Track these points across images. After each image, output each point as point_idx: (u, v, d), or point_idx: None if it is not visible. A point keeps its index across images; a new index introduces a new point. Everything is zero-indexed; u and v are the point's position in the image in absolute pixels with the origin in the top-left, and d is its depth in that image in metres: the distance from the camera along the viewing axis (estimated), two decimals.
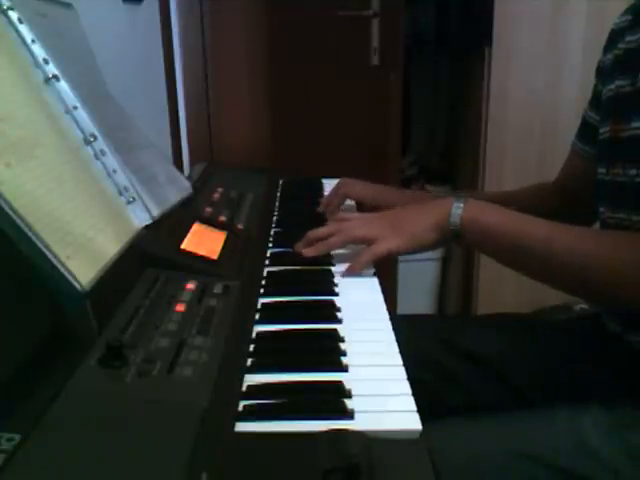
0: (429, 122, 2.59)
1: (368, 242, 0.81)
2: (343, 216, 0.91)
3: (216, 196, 1.05)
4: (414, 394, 0.55)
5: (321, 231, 0.85)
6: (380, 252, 0.79)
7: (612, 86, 0.84)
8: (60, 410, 0.46)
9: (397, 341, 0.64)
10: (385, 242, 0.79)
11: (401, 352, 0.62)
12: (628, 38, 0.82)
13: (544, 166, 2.06)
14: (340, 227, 0.84)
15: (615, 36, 0.87)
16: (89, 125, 0.74)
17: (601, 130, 0.85)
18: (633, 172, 0.76)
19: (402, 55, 2.09)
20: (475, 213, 0.78)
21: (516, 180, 2.08)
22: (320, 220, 1.06)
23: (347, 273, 0.80)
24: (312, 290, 0.76)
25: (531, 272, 0.78)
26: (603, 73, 0.90)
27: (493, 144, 2.12)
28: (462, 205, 0.78)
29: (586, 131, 0.95)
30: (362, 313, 0.72)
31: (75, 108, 0.73)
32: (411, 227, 0.80)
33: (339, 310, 0.71)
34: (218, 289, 0.69)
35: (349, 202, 1.13)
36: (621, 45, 0.84)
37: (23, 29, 0.70)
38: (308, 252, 0.84)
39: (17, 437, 0.42)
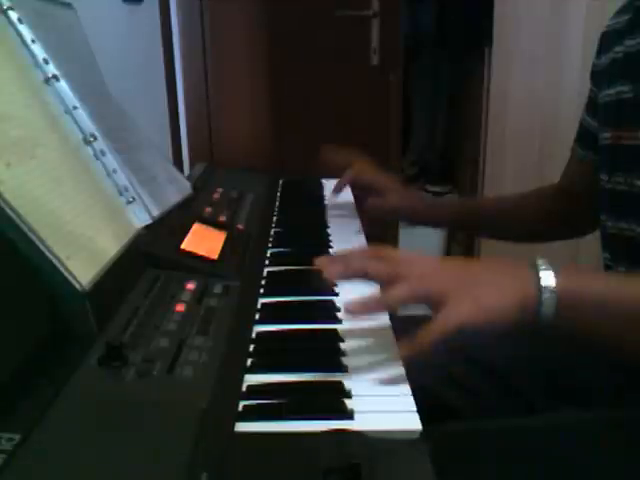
0: (429, 122, 2.59)
1: (435, 302, 0.60)
2: (393, 254, 0.65)
3: (216, 196, 1.05)
4: (414, 396, 0.55)
5: (369, 268, 0.62)
6: (453, 328, 0.58)
7: (612, 91, 0.81)
8: (60, 410, 0.46)
9: (397, 343, 0.64)
10: (457, 310, 0.59)
11: None
12: (628, 42, 0.79)
13: (544, 166, 2.06)
14: (398, 273, 0.61)
15: (610, 38, 0.85)
16: (89, 125, 0.74)
17: (601, 136, 0.83)
18: (638, 182, 0.74)
19: (402, 55, 2.10)
20: (573, 282, 0.61)
21: (516, 180, 2.09)
22: (321, 220, 1.06)
23: (405, 352, 0.59)
24: (312, 290, 0.76)
25: None
26: (599, 77, 0.87)
27: (493, 144, 2.12)
28: (552, 273, 0.60)
29: (584, 136, 0.93)
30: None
31: (75, 108, 0.73)
32: (486, 297, 0.60)
33: (339, 310, 0.71)
34: (218, 289, 0.69)
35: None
36: (619, 48, 0.81)
37: (23, 29, 0.70)
38: (355, 309, 0.61)
39: (17, 437, 0.42)
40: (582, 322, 0.63)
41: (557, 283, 0.60)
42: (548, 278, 0.60)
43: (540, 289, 0.60)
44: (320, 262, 0.63)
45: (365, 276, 0.62)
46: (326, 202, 1.16)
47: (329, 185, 1.23)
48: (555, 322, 0.60)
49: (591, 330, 0.65)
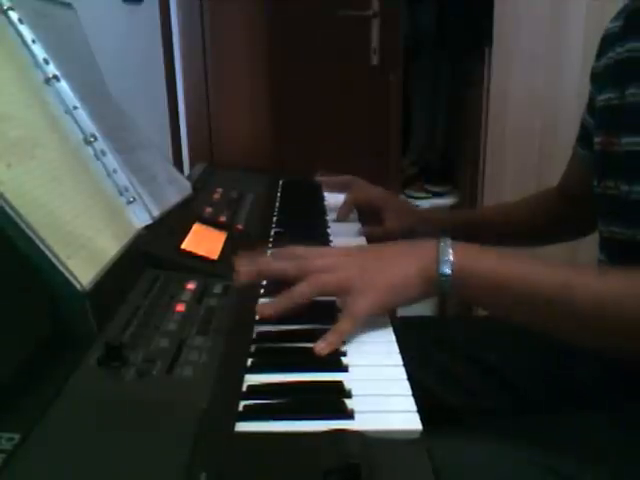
0: (429, 122, 2.59)
1: (340, 294, 0.66)
2: (302, 251, 0.69)
3: (216, 196, 1.05)
4: (414, 396, 0.55)
5: (282, 267, 0.66)
6: (362, 315, 0.64)
7: (603, 97, 0.82)
8: (60, 410, 0.46)
9: (397, 343, 0.64)
10: (363, 298, 0.64)
11: (401, 354, 0.62)
12: (617, 49, 0.80)
13: (544, 166, 2.06)
14: (302, 267, 0.65)
15: (607, 43, 0.85)
16: (89, 125, 0.74)
17: (594, 139, 0.84)
18: (625, 188, 0.75)
19: (402, 55, 2.09)
20: (469, 259, 0.64)
21: (516, 180, 2.09)
22: (321, 220, 1.06)
23: (320, 349, 0.61)
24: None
25: (548, 326, 0.66)
26: (596, 80, 0.88)
27: (493, 144, 2.12)
28: (451, 250, 0.64)
29: (585, 136, 0.94)
30: None
31: (75, 108, 0.73)
32: (389, 278, 0.65)
33: (339, 310, 0.71)
34: (218, 289, 0.69)
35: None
36: (611, 54, 0.82)
37: (23, 29, 0.70)
38: (264, 310, 0.65)
39: (17, 437, 0.42)
40: (476, 297, 0.67)
41: (454, 258, 0.64)
42: (446, 253, 0.64)
43: (436, 256, 0.64)
44: (238, 262, 0.66)
45: (274, 277, 0.67)
46: (326, 202, 1.16)
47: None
48: (455, 295, 0.65)
49: (485, 306, 0.69)
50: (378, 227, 1.05)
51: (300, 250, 0.69)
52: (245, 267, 0.66)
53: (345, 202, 1.08)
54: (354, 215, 1.10)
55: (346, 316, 0.64)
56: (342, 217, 1.07)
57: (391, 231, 1.06)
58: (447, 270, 0.64)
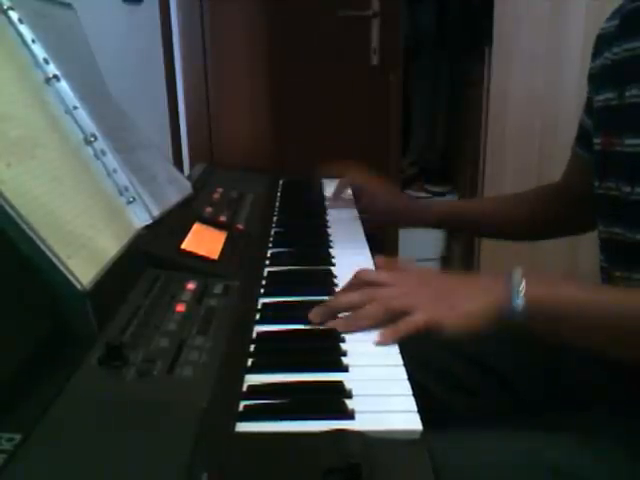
0: (429, 122, 2.59)
1: (405, 312, 0.66)
2: (375, 278, 0.72)
3: (216, 196, 1.05)
4: (414, 396, 0.55)
5: (350, 299, 0.69)
6: (423, 323, 0.65)
7: (601, 97, 0.82)
8: (60, 410, 0.46)
9: (397, 343, 0.64)
10: (429, 313, 0.65)
11: (401, 354, 0.62)
12: (614, 49, 0.80)
13: (544, 166, 2.06)
14: (374, 294, 0.68)
15: (603, 42, 0.84)
16: (89, 125, 0.74)
17: (594, 140, 0.84)
18: (627, 189, 0.75)
19: (402, 55, 2.10)
20: (542, 291, 0.66)
21: (516, 180, 2.09)
22: (321, 220, 1.06)
23: (379, 341, 0.64)
24: (312, 290, 0.76)
25: (626, 349, 0.67)
26: (593, 81, 0.87)
27: (493, 144, 2.12)
28: (523, 282, 0.65)
29: (583, 136, 0.93)
30: None
31: (75, 108, 0.73)
32: (464, 303, 0.66)
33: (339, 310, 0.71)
34: (218, 289, 0.69)
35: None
36: (608, 54, 0.81)
37: (23, 29, 0.70)
38: (339, 327, 0.67)
39: (17, 437, 0.42)
40: (552, 326, 0.68)
41: (527, 289, 0.65)
42: (520, 284, 0.65)
43: (512, 294, 0.65)
44: (316, 318, 0.69)
45: (344, 310, 0.68)
46: (326, 202, 1.17)
47: (329, 185, 1.23)
48: (527, 324, 0.66)
49: (562, 334, 0.69)
50: (369, 201, 1.11)
51: (372, 276, 0.72)
52: (315, 312, 0.69)
53: (340, 183, 1.15)
54: (354, 214, 1.10)
55: (406, 320, 0.65)
56: (337, 194, 1.15)
57: (380, 207, 1.11)
58: (521, 302, 0.65)
